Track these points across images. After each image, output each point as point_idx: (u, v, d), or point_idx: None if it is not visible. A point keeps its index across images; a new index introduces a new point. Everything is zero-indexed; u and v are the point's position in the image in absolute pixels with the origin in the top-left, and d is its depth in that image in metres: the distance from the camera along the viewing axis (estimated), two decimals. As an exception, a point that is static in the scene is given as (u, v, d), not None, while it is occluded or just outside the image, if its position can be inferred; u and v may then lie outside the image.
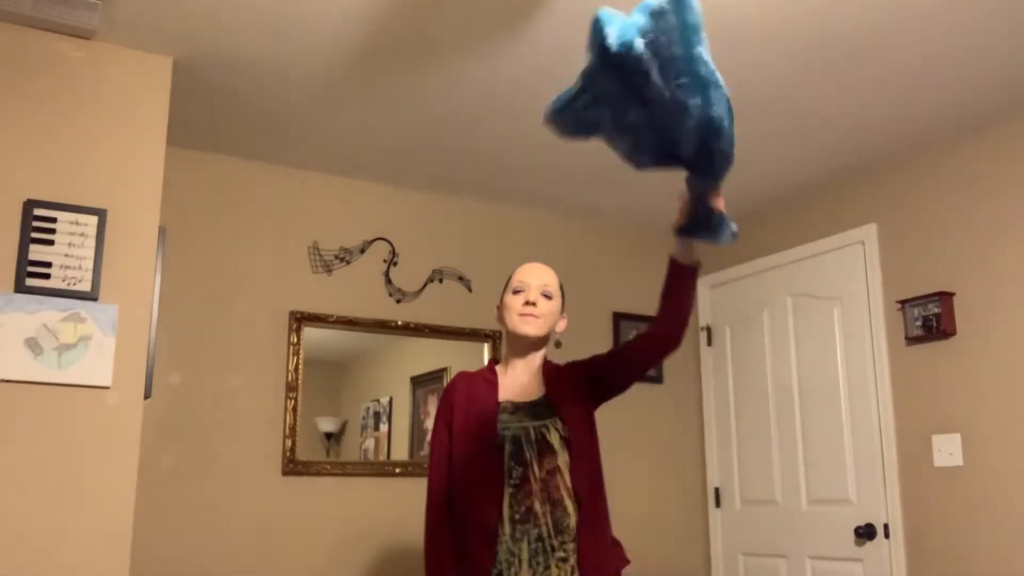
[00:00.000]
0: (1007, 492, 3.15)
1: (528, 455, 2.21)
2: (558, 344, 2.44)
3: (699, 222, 1.98)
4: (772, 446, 4.06)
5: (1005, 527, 3.14)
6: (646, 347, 2.27)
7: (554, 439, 2.23)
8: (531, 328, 2.31)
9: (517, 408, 2.29)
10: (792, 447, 3.96)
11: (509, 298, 2.36)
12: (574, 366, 2.39)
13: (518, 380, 2.36)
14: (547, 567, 2.15)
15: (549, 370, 2.38)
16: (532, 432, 2.23)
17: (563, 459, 2.22)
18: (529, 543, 2.15)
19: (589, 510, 2.21)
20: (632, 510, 4.11)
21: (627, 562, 2.32)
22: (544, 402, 2.30)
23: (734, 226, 1.98)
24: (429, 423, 3.82)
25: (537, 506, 2.17)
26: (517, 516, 2.17)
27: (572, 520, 2.19)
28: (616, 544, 2.30)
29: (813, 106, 3.17)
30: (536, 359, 2.38)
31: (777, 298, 4.14)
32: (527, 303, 2.31)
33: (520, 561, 2.14)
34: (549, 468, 2.20)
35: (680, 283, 2.17)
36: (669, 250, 2.17)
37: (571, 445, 2.24)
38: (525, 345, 2.35)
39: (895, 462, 3.52)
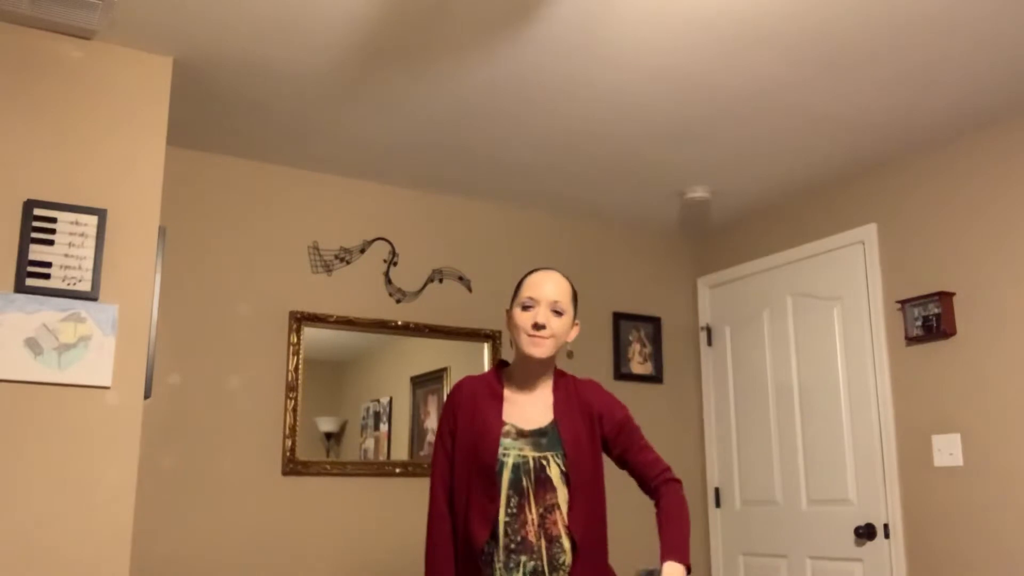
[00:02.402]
0: (1007, 492, 3.15)
1: (525, 485, 2.16)
2: (570, 354, 2.35)
3: None
4: (772, 446, 4.06)
5: (1005, 527, 3.14)
6: (643, 489, 2.31)
7: (554, 473, 2.17)
8: (540, 351, 2.21)
9: (520, 435, 2.21)
10: (792, 447, 3.96)
11: (518, 314, 2.24)
12: (594, 403, 2.27)
13: (525, 399, 2.27)
14: None
15: (562, 390, 2.29)
16: (532, 463, 2.17)
17: (562, 495, 2.17)
18: (524, 574, 2.12)
19: (585, 549, 2.16)
20: (632, 510, 4.11)
21: None
22: (550, 430, 2.22)
23: None
24: (429, 423, 3.82)
25: (533, 539, 2.13)
26: (512, 545, 2.14)
27: (568, 558, 2.15)
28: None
29: (813, 106, 3.17)
30: (546, 376, 2.29)
31: (777, 298, 4.14)
32: (536, 325, 2.20)
33: None
34: (548, 504, 2.16)
35: None
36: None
37: (571, 482, 2.17)
38: (535, 363, 2.26)
39: (895, 462, 3.52)
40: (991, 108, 3.19)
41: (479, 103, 3.15)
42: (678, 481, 2.29)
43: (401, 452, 3.77)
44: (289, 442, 3.50)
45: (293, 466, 3.49)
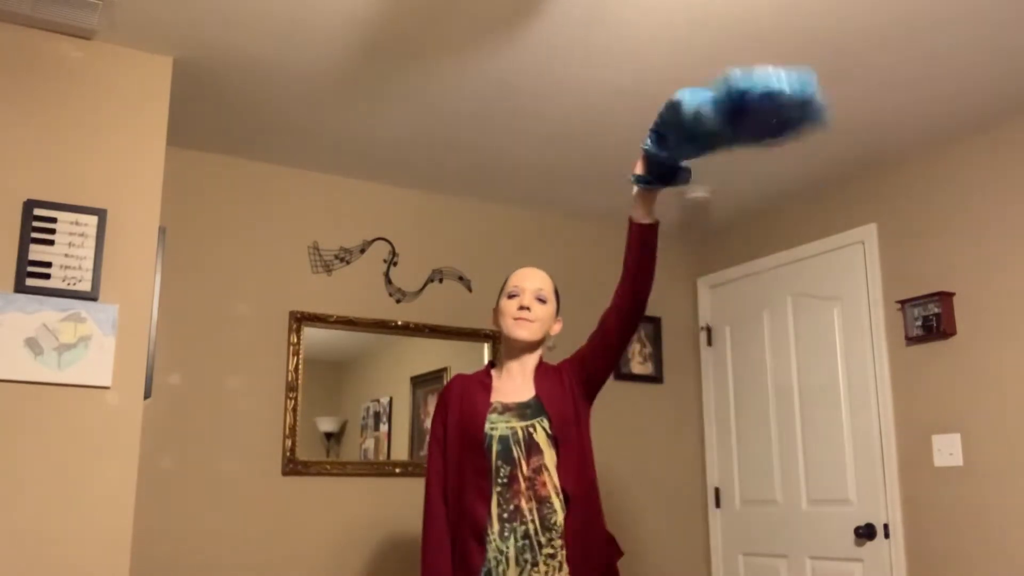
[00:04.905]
0: (1007, 492, 3.15)
1: (516, 454, 2.24)
2: (552, 347, 2.47)
3: (661, 174, 2.09)
4: (772, 446, 4.06)
5: (1005, 527, 3.14)
6: (616, 318, 2.27)
7: (541, 438, 2.27)
8: (525, 332, 2.36)
9: (506, 409, 2.32)
10: (792, 447, 3.96)
11: (504, 302, 2.40)
12: (563, 364, 2.42)
13: (511, 382, 2.39)
14: (535, 564, 2.18)
15: (542, 371, 2.41)
16: (520, 432, 2.27)
17: (550, 457, 2.25)
18: (516, 540, 2.18)
19: (577, 507, 2.23)
20: (632, 510, 4.11)
21: (621, 554, 2.34)
22: (533, 402, 2.32)
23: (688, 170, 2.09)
24: (429, 423, 3.82)
25: (524, 504, 2.20)
26: (505, 514, 2.20)
27: (559, 517, 2.21)
28: (610, 539, 2.32)
29: (813, 106, 3.17)
30: (530, 361, 2.42)
31: (777, 298, 4.14)
32: (521, 307, 2.36)
33: (507, 559, 2.18)
34: (535, 466, 2.24)
35: (642, 242, 2.18)
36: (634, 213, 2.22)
37: (558, 443, 2.27)
38: (520, 348, 2.40)
39: (895, 462, 3.52)
40: (991, 108, 3.19)
41: (479, 103, 3.15)
42: None
43: (401, 452, 3.77)
44: (289, 442, 3.50)
45: (293, 466, 3.49)
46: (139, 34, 2.70)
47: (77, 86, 2.70)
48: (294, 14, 2.59)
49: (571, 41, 2.73)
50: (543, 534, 2.19)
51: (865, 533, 3.57)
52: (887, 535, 3.51)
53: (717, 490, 4.33)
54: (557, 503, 2.22)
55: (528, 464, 2.24)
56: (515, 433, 2.27)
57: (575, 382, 2.35)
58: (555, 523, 2.20)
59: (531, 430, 2.27)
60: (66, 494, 2.47)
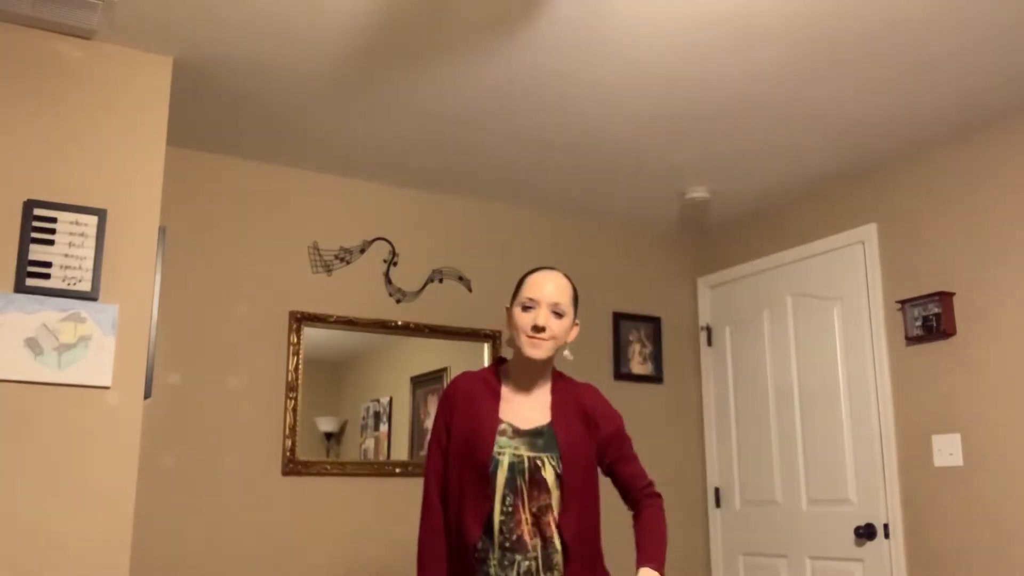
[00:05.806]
0: (1007, 492, 3.15)
1: (519, 484, 2.16)
2: (566, 354, 2.33)
3: None
4: (772, 446, 4.06)
5: (1005, 527, 3.14)
6: (626, 499, 2.32)
7: (548, 475, 2.17)
8: (539, 353, 2.20)
9: (517, 433, 2.20)
10: (792, 447, 3.96)
11: (518, 314, 2.23)
12: (592, 408, 2.28)
13: (522, 398, 2.27)
14: None
15: (560, 392, 2.29)
16: (527, 462, 2.17)
17: (556, 497, 2.17)
18: (519, 573, 2.13)
19: (577, 550, 2.17)
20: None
21: None
22: (546, 431, 2.21)
23: None
24: (429, 423, 3.82)
25: (528, 538, 2.13)
26: (507, 543, 2.13)
27: (560, 558, 2.15)
28: None
29: (813, 106, 3.17)
30: (544, 376, 2.29)
31: (777, 298, 4.14)
32: (536, 327, 2.19)
33: None
34: (541, 505, 2.16)
35: None
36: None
37: (564, 484, 2.17)
38: (533, 363, 2.25)
39: (895, 462, 3.52)
40: (991, 107, 3.19)
41: (479, 103, 3.15)
42: (660, 496, 2.32)
43: (401, 452, 3.77)
44: (289, 442, 3.50)
45: (293, 466, 3.49)
46: (139, 34, 2.70)
47: (77, 86, 2.70)
48: (294, 15, 2.59)
49: (571, 41, 2.73)
50: (545, 573, 2.13)
51: (865, 533, 3.57)
52: (887, 535, 3.51)
53: (717, 490, 4.33)
54: (559, 544, 2.15)
55: (532, 500, 2.15)
56: (521, 462, 2.16)
57: (594, 436, 2.26)
58: (557, 564, 2.14)
59: (539, 463, 2.17)
60: (66, 494, 2.47)
